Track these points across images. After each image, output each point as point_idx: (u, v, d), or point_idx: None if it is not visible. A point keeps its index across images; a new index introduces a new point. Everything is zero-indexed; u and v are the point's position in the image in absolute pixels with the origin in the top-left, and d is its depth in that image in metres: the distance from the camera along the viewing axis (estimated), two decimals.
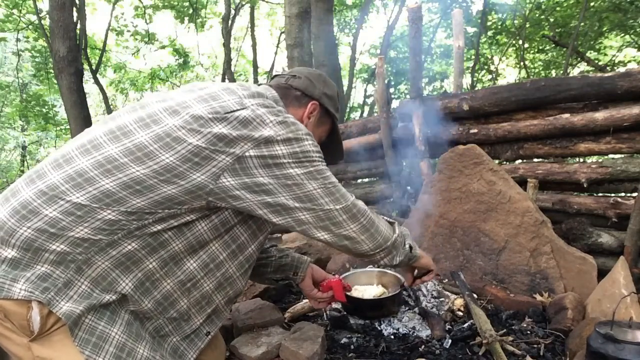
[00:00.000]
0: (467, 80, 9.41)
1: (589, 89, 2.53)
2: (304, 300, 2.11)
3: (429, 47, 10.92)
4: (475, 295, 2.08)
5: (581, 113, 2.60)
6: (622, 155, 2.55)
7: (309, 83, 1.39)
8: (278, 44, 12.53)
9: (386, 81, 3.54)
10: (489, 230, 2.27)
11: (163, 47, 11.34)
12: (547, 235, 2.14)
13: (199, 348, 1.27)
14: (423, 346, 1.75)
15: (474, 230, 2.32)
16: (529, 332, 1.83)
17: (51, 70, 8.09)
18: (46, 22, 6.99)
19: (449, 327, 1.89)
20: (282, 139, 1.11)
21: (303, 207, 1.15)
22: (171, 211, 1.09)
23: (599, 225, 2.56)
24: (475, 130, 3.05)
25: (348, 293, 1.74)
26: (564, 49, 8.50)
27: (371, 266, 2.27)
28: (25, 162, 13.54)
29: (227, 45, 10.01)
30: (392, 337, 1.84)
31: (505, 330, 1.82)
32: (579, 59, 8.66)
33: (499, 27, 9.85)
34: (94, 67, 8.50)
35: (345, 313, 1.97)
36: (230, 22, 10.23)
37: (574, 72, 9.03)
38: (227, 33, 10.01)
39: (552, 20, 8.88)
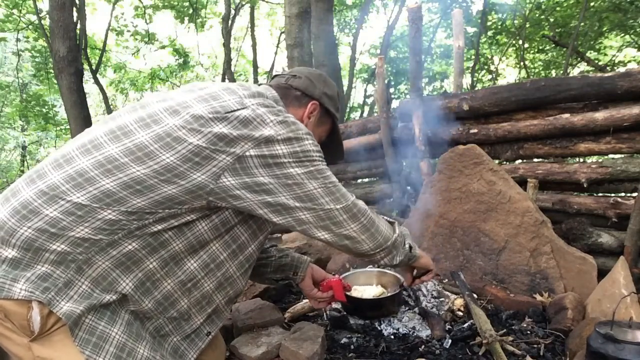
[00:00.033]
0: (467, 80, 9.42)
1: (589, 89, 2.53)
2: (304, 300, 2.12)
3: (429, 47, 10.92)
4: (475, 295, 2.08)
5: (581, 113, 2.60)
6: (622, 155, 2.55)
7: (309, 83, 1.39)
8: (278, 44, 12.53)
9: (386, 81, 3.54)
10: (489, 230, 2.27)
11: (163, 47, 11.35)
12: (547, 235, 2.14)
13: (199, 348, 1.27)
14: (423, 346, 1.75)
15: (474, 230, 2.32)
16: (529, 332, 1.83)
17: (51, 70, 8.09)
18: (46, 22, 7.00)
19: (449, 327, 1.89)
20: (282, 139, 1.11)
21: (303, 206, 1.15)
22: (171, 211, 1.09)
23: (599, 225, 2.56)
24: (475, 130, 3.05)
25: (348, 293, 1.74)
26: (564, 49, 8.50)
27: (371, 266, 2.27)
28: (25, 162, 13.54)
29: (227, 45, 10.02)
30: (392, 337, 1.84)
31: (505, 330, 1.82)
32: (579, 59, 8.67)
33: (499, 27, 9.86)
34: (94, 67, 8.50)
35: (345, 313, 1.97)
36: (230, 22, 10.23)
37: (574, 72, 9.04)
38: (227, 33, 10.02)
39: (552, 20, 8.88)
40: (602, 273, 2.03)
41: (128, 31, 10.46)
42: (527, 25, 9.13)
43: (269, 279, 1.64)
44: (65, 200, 1.03)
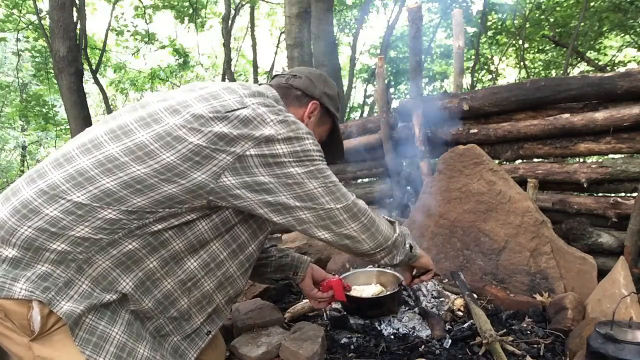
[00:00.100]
0: (467, 80, 9.42)
1: (589, 89, 2.54)
2: (304, 300, 2.12)
3: (429, 47, 10.93)
4: (475, 295, 2.08)
5: (581, 113, 2.61)
6: (622, 155, 2.55)
7: (309, 83, 1.39)
8: (278, 44, 12.54)
9: (386, 81, 3.54)
10: (489, 230, 2.27)
11: (163, 47, 11.35)
12: (547, 235, 2.14)
13: (199, 347, 1.27)
14: (423, 346, 1.75)
15: (474, 230, 2.32)
16: (529, 332, 1.83)
17: (51, 70, 8.09)
18: (46, 22, 7.00)
19: (449, 327, 1.89)
20: (282, 138, 1.11)
21: (304, 206, 1.15)
22: (172, 210, 1.09)
23: (599, 225, 2.56)
24: (475, 130, 3.05)
25: (348, 293, 1.74)
26: (564, 49, 8.51)
27: (370, 266, 2.27)
28: (25, 162, 13.55)
29: (227, 45, 10.02)
30: (392, 337, 1.84)
31: (505, 330, 1.82)
32: (579, 59, 8.67)
33: (499, 27, 9.86)
34: (94, 67, 8.51)
35: (345, 313, 1.97)
36: (230, 22, 10.23)
37: (574, 72, 9.04)
38: (227, 33, 10.02)
39: (552, 20, 8.89)
40: (602, 273, 2.03)
41: (128, 31, 10.47)
42: (527, 25, 9.14)
43: (269, 279, 1.64)
44: (65, 200, 1.03)
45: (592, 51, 9.25)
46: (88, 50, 8.03)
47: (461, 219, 2.37)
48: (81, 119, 6.09)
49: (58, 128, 11.44)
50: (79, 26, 6.57)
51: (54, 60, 6.05)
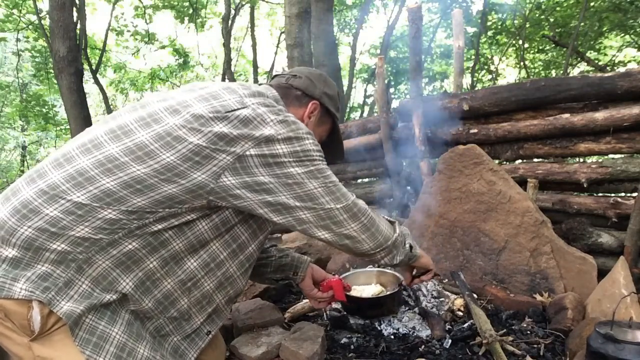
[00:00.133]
0: (467, 80, 9.43)
1: (589, 89, 2.54)
2: (304, 300, 2.12)
3: (429, 47, 10.93)
4: (475, 295, 2.08)
5: (581, 113, 2.61)
6: (622, 155, 2.55)
7: (309, 83, 1.39)
8: (278, 44, 12.54)
9: (386, 81, 3.54)
10: (489, 230, 2.27)
11: (163, 47, 11.35)
12: (547, 235, 2.14)
13: (199, 347, 1.27)
14: (423, 346, 1.75)
15: (474, 230, 2.32)
16: (529, 332, 1.83)
17: (51, 70, 8.09)
18: (46, 22, 7.00)
19: (449, 327, 1.89)
20: (282, 138, 1.11)
21: (304, 206, 1.15)
22: (172, 210, 1.09)
23: (599, 225, 2.56)
24: (475, 130, 3.05)
25: (348, 293, 1.74)
26: (564, 49, 8.51)
27: (370, 266, 2.27)
28: (25, 162, 13.55)
29: (227, 45, 10.02)
30: (392, 337, 1.84)
31: (505, 330, 1.82)
32: (579, 59, 8.67)
33: (499, 27, 9.87)
34: (94, 67, 8.51)
35: (345, 313, 1.97)
36: (230, 22, 10.23)
37: (574, 72, 9.04)
38: (227, 33, 10.02)
39: (552, 20, 8.89)
40: (602, 273, 2.03)
41: (128, 31, 10.47)
42: (527, 25, 9.14)
43: (269, 279, 1.64)
44: (65, 200, 1.03)
45: (592, 51, 9.25)
46: (88, 50, 8.04)
47: (461, 219, 2.37)
48: (81, 119, 6.09)
49: (58, 128, 11.45)
50: (79, 26, 6.58)
51: (54, 60, 6.05)
